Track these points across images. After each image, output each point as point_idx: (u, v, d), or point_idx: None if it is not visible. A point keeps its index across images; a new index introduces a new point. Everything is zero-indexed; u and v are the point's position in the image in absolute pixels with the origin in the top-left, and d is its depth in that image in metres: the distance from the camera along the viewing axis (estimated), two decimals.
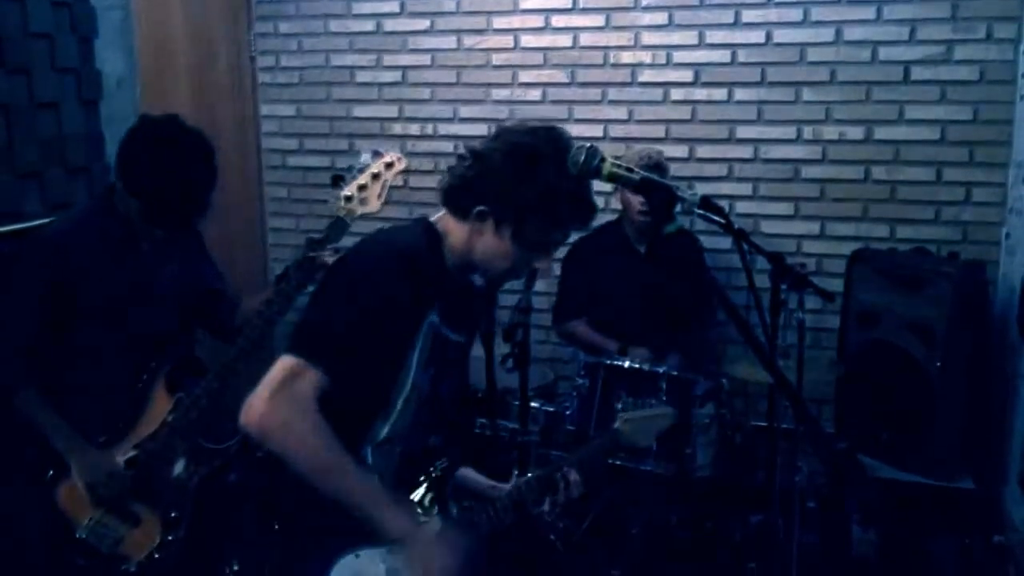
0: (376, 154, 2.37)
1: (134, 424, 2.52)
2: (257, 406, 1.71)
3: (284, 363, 1.75)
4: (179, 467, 2.53)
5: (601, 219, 4.00)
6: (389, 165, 2.34)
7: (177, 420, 2.51)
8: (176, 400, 2.54)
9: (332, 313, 1.81)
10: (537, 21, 4.21)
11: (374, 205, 2.34)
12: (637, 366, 3.31)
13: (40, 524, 2.51)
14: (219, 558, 2.84)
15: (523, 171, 1.83)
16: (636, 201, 3.66)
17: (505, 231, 1.87)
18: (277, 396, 1.72)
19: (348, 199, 2.33)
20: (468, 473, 2.20)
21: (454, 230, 1.93)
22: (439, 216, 1.97)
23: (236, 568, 2.81)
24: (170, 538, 2.50)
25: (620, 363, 3.34)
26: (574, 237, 3.65)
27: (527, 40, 4.25)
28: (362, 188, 2.33)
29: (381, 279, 1.82)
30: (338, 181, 2.35)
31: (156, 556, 2.48)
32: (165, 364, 2.58)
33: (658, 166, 3.69)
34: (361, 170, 2.35)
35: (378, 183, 2.33)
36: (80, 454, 2.45)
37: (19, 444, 2.52)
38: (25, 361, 2.44)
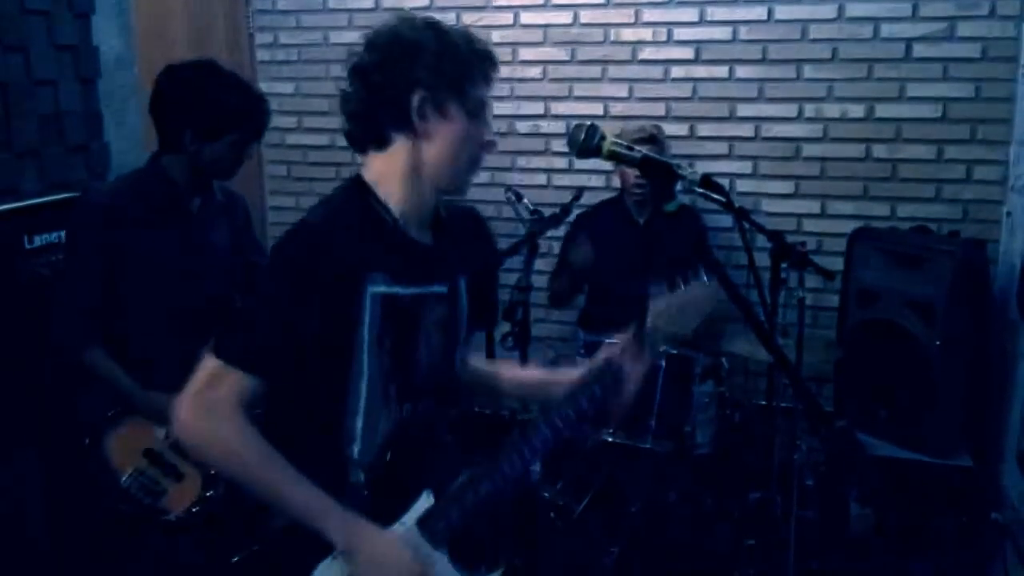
0: None
1: (181, 382, 2.56)
2: (179, 413, 1.64)
3: (205, 366, 1.65)
4: None
5: (602, 196, 4.01)
6: None
7: None
8: None
9: (250, 310, 1.71)
10: None
11: None
12: None
13: (86, 471, 2.58)
14: (254, 516, 2.91)
15: (432, 41, 1.69)
16: (631, 174, 3.66)
17: (451, 107, 1.70)
18: (197, 403, 1.64)
19: None
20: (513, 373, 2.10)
21: (385, 168, 1.73)
22: (364, 168, 1.77)
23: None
24: (209, 494, 2.57)
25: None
26: (574, 215, 3.65)
27: (527, 17, 4.22)
28: None
29: (292, 267, 1.66)
30: None
31: (194, 510, 2.55)
32: (215, 329, 2.62)
33: (653, 139, 3.68)
34: None
35: None
36: (148, 404, 2.52)
37: (70, 399, 2.62)
38: (90, 322, 2.50)
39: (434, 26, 1.73)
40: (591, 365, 1.88)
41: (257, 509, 2.90)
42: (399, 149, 1.73)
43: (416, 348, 1.79)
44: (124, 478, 2.52)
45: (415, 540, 1.73)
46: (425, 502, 1.76)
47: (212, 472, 2.57)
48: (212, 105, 2.49)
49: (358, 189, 1.75)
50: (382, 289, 1.70)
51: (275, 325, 1.65)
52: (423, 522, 1.75)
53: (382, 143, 1.73)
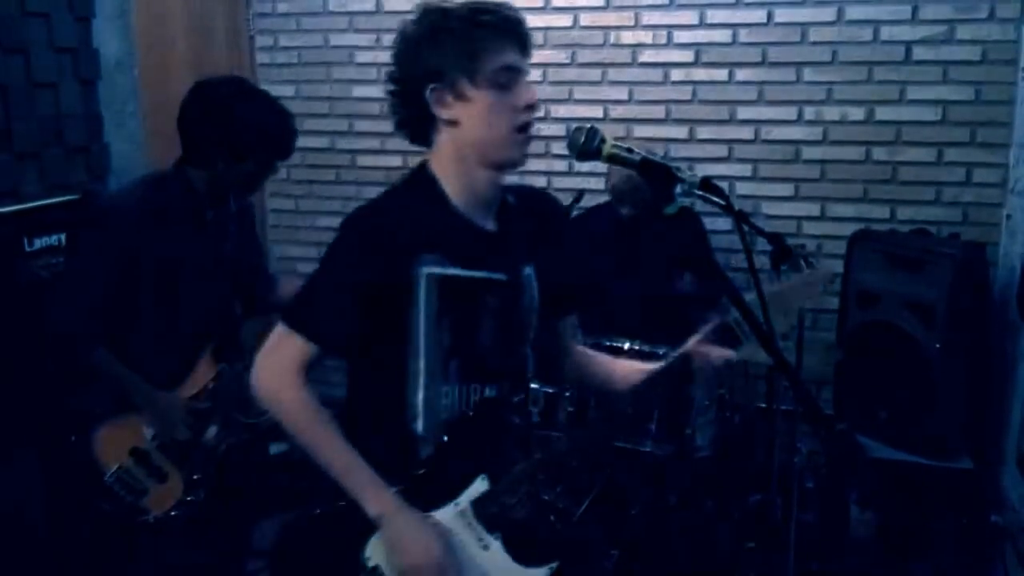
0: None
1: (177, 384, 2.59)
2: (253, 373, 1.80)
3: (275, 331, 1.80)
4: (211, 433, 2.62)
5: (602, 198, 4.01)
6: None
7: (217, 388, 2.62)
8: (219, 370, 2.63)
9: (311, 280, 1.82)
10: (537, 1, 4.18)
11: None
12: (636, 347, 3.31)
13: (71, 467, 2.59)
14: (234, 525, 2.90)
15: (430, 31, 1.74)
16: (619, 180, 3.66)
17: (466, 88, 1.74)
18: (265, 364, 1.79)
19: None
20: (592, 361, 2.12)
21: (438, 161, 1.81)
22: (428, 160, 1.85)
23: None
24: (189, 498, 2.58)
25: (619, 344, 3.34)
26: (573, 215, 3.65)
27: (527, 20, 4.21)
28: None
29: (348, 243, 1.77)
30: None
31: (173, 513, 2.56)
32: (217, 334, 2.65)
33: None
34: None
35: None
36: (155, 402, 2.54)
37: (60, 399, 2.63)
38: (95, 323, 2.49)
39: (432, 13, 1.77)
40: (661, 363, 1.91)
41: (247, 514, 2.90)
42: (441, 143, 1.80)
43: (478, 329, 1.84)
44: (108, 474, 2.51)
45: (468, 519, 1.80)
46: (480, 486, 1.82)
47: (195, 477, 2.58)
48: (242, 129, 2.48)
49: (422, 177, 1.82)
50: (438, 270, 1.76)
51: (334, 296, 1.76)
52: (477, 504, 1.81)
53: (427, 142, 1.82)
